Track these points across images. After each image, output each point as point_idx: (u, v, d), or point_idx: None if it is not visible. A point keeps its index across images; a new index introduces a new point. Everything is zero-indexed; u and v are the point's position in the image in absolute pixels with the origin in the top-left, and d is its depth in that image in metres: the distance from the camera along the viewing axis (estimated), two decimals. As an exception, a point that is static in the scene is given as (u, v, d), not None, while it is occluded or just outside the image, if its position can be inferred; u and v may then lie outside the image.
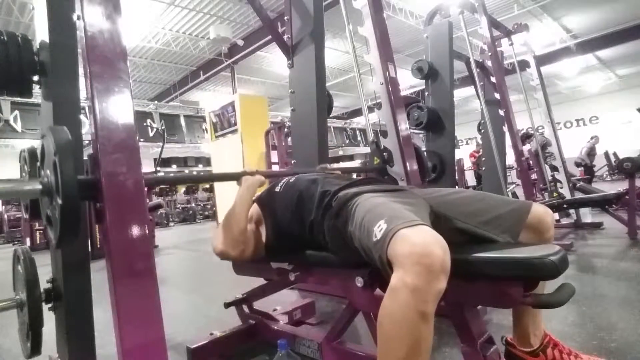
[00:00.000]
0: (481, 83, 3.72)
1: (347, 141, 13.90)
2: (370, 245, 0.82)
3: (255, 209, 1.29)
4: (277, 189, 1.25)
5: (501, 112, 3.57)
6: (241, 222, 1.17)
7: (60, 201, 0.76)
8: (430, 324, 0.70)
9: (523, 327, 1.04)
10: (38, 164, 0.93)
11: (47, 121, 1.08)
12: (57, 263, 1.08)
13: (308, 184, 1.17)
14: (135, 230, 0.85)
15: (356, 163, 13.97)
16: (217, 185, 8.41)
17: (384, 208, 0.86)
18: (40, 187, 0.84)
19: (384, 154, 1.99)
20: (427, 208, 0.97)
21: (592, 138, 9.32)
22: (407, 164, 1.97)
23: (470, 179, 9.27)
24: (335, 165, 1.71)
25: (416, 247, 0.70)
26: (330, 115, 2.80)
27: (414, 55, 9.74)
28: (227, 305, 1.55)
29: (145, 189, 0.96)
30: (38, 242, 6.57)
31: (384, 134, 2.03)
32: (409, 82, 12.44)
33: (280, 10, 6.79)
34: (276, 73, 11.42)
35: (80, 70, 1.02)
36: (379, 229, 0.79)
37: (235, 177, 1.32)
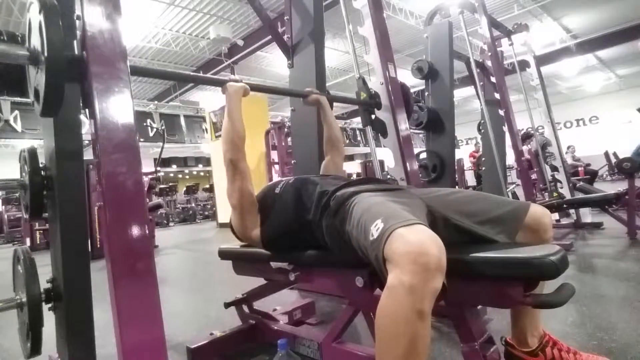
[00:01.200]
0: (481, 83, 3.72)
1: (347, 141, 13.90)
2: (367, 244, 0.82)
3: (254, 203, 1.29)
4: (277, 190, 1.26)
5: (501, 112, 3.57)
6: (238, 126, 1.26)
7: (45, 54, 0.76)
8: (427, 322, 0.70)
9: (520, 327, 1.04)
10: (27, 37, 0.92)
11: (47, 121, 1.08)
12: (57, 263, 1.08)
13: (307, 185, 1.18)
14: (135, 230, 0.85)
15: (356, 162, 13.99)
16: (217, 185, 8.41)
17: (381, 207, 0.86)
18: (27, 53, 0.85)
19: (370, 89, 2.01)
20: (424, 208, 0.98)
21: (568, 148, 9.24)
22: (407, 164, 1.97)
23: (470, 179, 9.28)
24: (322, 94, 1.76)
25: (412, 246, 0.70)
26: (330, 115, 2.79)
27: (414, 55, 9.74)
28: (227, 305, 1.55)
29: (145, 189, 0.96)
30: (38, 242, 6.58)
31: (372, 72, 2.06)
32: (409, 82, 12.42)
33: (280, 10, 6.79)
34: (276, 73, 11.42)
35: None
36: (375, 228, 0.79)
37: (220, 82, 1.38)
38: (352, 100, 2.25)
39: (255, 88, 1.47)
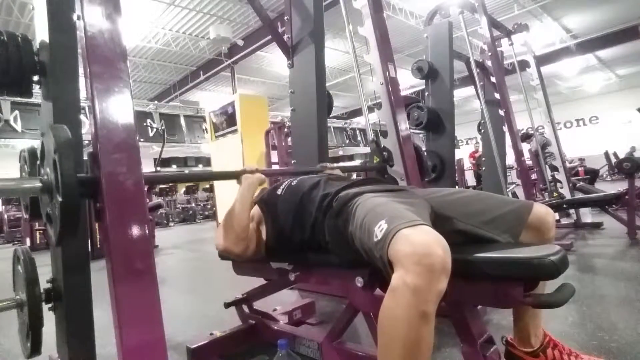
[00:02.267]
0: (481, 83, 3.72)
1: (347, 141, 13.90)
2: (371, 245, 0.81)
3: (256, 209, 1.29)
4: (279, 191, 1.25)
5: (501, 112, 3.57)
6: (243, 220, 1.17)
7: (60, 199, 0.77)
8: (431, 324, 0.70)
9: (523, 327, 1.04)
10: (38, 162, 0.93)
11: (47, 121, 1.08)
12: (57, 263, 1.08)
13: (310, 187, 1.17)
14: (135, 230, 0.85)
15: (356, 163, 13.97)
16: (217, 185, 8.41)
17: (385, 208, 0.86)
18: (40, 184, 0.84)
19: (384, 153, 1.99)
20: (427, 208, 0.97)
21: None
22: (407, 164, 1.97)
23: (470, 179, 9.27)
24: (335, 165, 1.70)
25: (417, 247, 0.70)
26: (330, 115, 2.80)
27: (414, 55, 9.74)
28: (227, 305, 1.55)
29: (146, 188, 0.96)
30: (38, 242, 6.57)
31: (384, 133, 2.03)
32: (409, 82, 12.44)
33: (280, 10, 6.79)
34: (276, 73, 11.42)
35: (80, 70, 1.02)
36: (379, 229, 0.79)
37: (236, 175, 1.32)
38: (365, 168, 2.20)
39: (269, 173, 1.44)
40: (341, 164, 2.08)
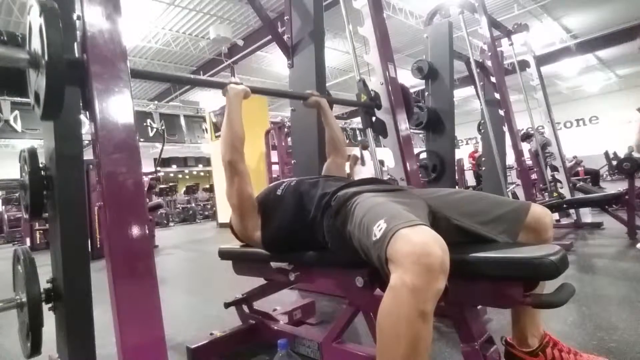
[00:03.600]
0: (481, 83, 3.72)
1: (347, 141, 13.88)
2: (370, 244, 0.82)
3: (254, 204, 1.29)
4: (279, 191, 1.26)
5: (501, 112, 3.57)
6: (237, 129, 1.26)
7: (46, 58, 0.76)
8: (430, 323, 0.70)
9: (521, 327, 1.04)
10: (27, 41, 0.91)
11: (47, 121, 1.08)
12: (57, 263, 1.08)
13: (309, 187, 1.18)
14: (135, 230, 0.85)
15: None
16: (217, 185, 8.41)
17: (384, 208, 0.86)
18: (27, 56, 0.85)
19: (371, 91, 2.01)
20: (426, 208, 0.98)
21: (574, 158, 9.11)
22: (407, 164, 1.97)
23: (470, 179, 9.27)
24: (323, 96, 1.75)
25: (416, 247, 0.70)
26: (330, 115, 2.79)
27: (414, 55, 9.74)
28: (227, 305, 1.55)
29: (145, 189, 0.96)
30: (38, 242, 6.58)
31: (372, 72, 2.06)
32: (409, 82, 12.43)
33: (280, 10, 6.79)
34: (276, 73, 11.42)
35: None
36: (378, 229, 0.79)
37: (220, 85, 1.37)
38: (352, 103, 2.25)
39: (256, 91, 1.47)
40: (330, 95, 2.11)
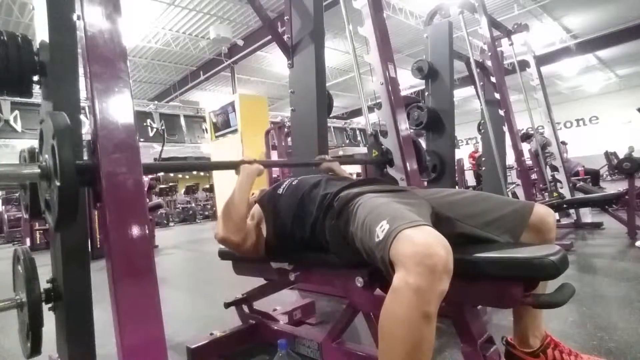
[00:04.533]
0: (481, 83, 3.72)
1: (347, 141, 13.91)
2: (372, 245, 0.81)
3: (257, 208, 1.29)
4: (280, 190, 1.25)
5: (501, 112, 3.57)
6: (241, 210, 1.18)
7: (58, 183, 0.77)
8: (433, 324, 0.70)
9: (523, 327, 1.03)
10: (37, 151, 0.93)
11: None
12: (57, 263, 1.08)
13: (311, 187, 1.17)
14: (135, 230, 0.85)
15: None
16: (217, 185, 8.41)
17: (386, 208, 0.86)
18: (38, 170, 0.85)
19: (382, 147, 2.00)
20: (429, 209, 0.97)
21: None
22: (407, 164, 1.97)
23: (470, 179, 9.27)
24: (334, 157, 1.71)
25: (419, 248, 0.70)
26: (330, 115, 2.80)
27: (414, 55, 9.74)
28: (227, 305, 1.55)
29: (145, 189, 0.96)
30: (38, 242, 6.57)
31: (384, 133, 2.04)
32: (409, 82, 12.44)
33: (280, 10, 6.79)
34: (276, 73, 11.43)
35: (80, 70, 1.02)
36: (381, 229, 0.79)
37: (234, 165, 1.34)
38: (364, 161, 2.23)
39: (267, 164, 1.44)
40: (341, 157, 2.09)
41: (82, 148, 1.00)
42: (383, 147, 2.00)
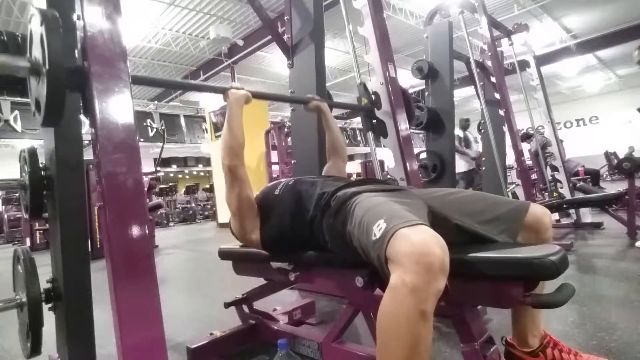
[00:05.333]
0: (481, 83, 3.72)
1: (347, 141, 13.90)
2: (369, 244, 0.82)
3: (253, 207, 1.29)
4: (277, 191, 1.25)
5: (501, 112, 3.57)
6: (238, 134, 1.26)
7: (47, 66, 0.77)
8: (430, 323, 0.70)
9: (521, 327, 1.04)
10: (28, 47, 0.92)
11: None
12: (57, 263, 1.08)
13: (307, 186, 1.17)
14: (135, 230, 0.85)
15: (356, 164, 13.98)
16: (217, 185, 8.41)
17: (383, 207, 0.86)
18: (28, 64, 0.85)
19: (372, 94, 2.00)
20: (425, 208, 0.97)
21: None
22: (407, 164, 1.97)
23: (470, 179, 9.26)
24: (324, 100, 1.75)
25: (415, 247, 0.70)
26: (330, 115, 2.80)
27: (414, 55, 9.74)
28: (227, 305, 1.55)
29: (145, 189, 0.97)
30: (38, 242, 6.58)
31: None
32: (409, 82, 12.44)
33: (280, 10, 6.79)
34: (276, 73, 11.43)
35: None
36: (378, 228, 0.79)
37: (221, 90, 1.37)
38: (353, 106, 2.25)
39: (257, 95, 1.46)
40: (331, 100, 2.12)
41: (74, 54, 0.99)
42: (372, 93, 2.01)
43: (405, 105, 2.09)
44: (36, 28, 0.82)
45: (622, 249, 2.79)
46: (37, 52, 0.83)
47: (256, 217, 1.26)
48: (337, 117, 15.10)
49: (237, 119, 1.29)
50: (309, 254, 1.14)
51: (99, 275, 0.94)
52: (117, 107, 0.90)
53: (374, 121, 1.99)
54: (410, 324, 0.69)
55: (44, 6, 1.05)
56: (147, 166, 8.51)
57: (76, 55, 0.95)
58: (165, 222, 10.34)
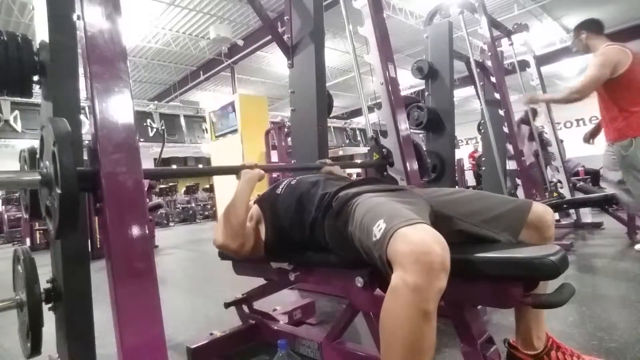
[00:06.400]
0: (481, 83, 3.72)
1: (347, 141, 13.90)
2: (370, 244, 0.81)
3: (255, 209, 1.29)
4: (278, 191, 1.25)
5: (501, 112, 3.57)
6: (241, 215, 1.17)
7: (59, 190, 0.77)
8: (433, 322, 0.70)
9: (526, 329, 1.03)
10: (37, 157, 0.93)
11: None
12: (57, 263, 1.08)
13: (309, 186, 1.17)
14: (135, 230, 0.85)
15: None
16: (217, 185, 8.41)
17: (384, 207, 0.86)
18: (39, 177, 0.85)
19: (383, 150, 2.00)
20: (427, 207, 0.97)
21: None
22: (407, 164, 1.97)
23: (470, 179, 9.28)
24: (335, 162, 1.71)
25: (416, 246, 0.70)
26: (330, 115, 2.80)
27: (414, 55, 9.74)
28: (227, 305, 1.55)
29: (145, 189, 0.97)
30: (38, 242, 6.58)
31: (384, 133, 2.04)
32: (409, 82, 12.44)
33: (280, 10, 6.79)
34: (276, 73, 11.42)
35: (80, 70, 1.02)
36: (378, 229, 0.79)
37: (235, 170, 1.33)
38: (365, 164, 2.24)
39: (268, 169, 1.43)
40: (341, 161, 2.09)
41: (82, 151, 0.99)
42: (384, 150, 1.99)
43: (417, 159, 2.05)
44: (48, 141, 0.82)
45: (622, 249, 2.79)
46: (47, 164, 0.83)
47: (259, 239, 1.23)
48: (337, 117, 15.12)
49: (245, 199, 1.22)
50: (309, 254, 1.14)
51: (99, 275, 0.94)
52: (117, 107, 0.90)
53: (385, 174, 1.99)
54: (412, 323, 0.69)
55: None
56: (147, 166, 8.48)
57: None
58: (165, 222, 10.34)
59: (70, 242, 1.06)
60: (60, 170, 0.76)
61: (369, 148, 2.04)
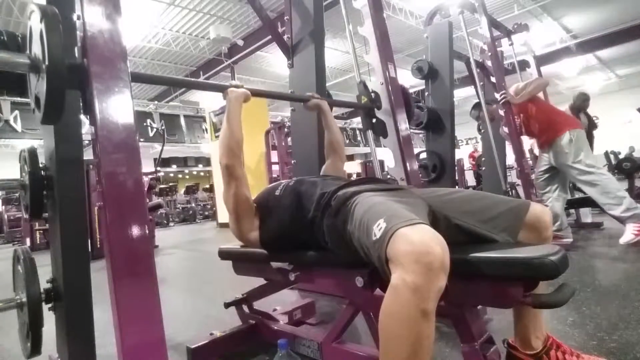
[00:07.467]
0: (481, 83, 3.72)
1: (347, 141, 13.90)
2: (370, 244, 0.82)
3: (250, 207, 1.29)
4: (277, 192, 1.26)
5: (501, 112, 3.57)
6: (237, 132, 1.26)
7: (46, 63, 0.76)
8: (432, 322, 0.70)
9: (524, 329, 1.03)
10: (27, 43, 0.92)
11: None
12: (57, 263, 1.08)
13: (308, 186, 1.17)
14: (135, 230, 0.85)
15: (356, 164, 13.97)
16: (217, 185, 8.41)
17: (383, 207, 0.86)
18: (28, 61, 0.85)
19: (371, 94, 2.01)
20: (426, 207, 0.97)
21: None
22: (407, 164, 1.96)
23: (470, 179, 9.28)
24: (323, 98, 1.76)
25: (416, 246, 0.70)
26: (330, 115, 2.80)
27: (414, 55, 9.74)
28: (227, 305, 1.55)
29: (145, 189, 0.97)
30: (38, 242, 6.58)
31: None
32: (409, 82, 12.44)
33: (280, 10, 6.79)
34: (276, 73, 11.42)
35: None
36: (378, 228, 0.79)
37: (221, 88, 1.37)
38: (353, 105, 2.26)
39: (256, 93, 1.47)
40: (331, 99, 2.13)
41: (74, 52, 0.98)
42: (372, 92, 2.01)
43: (405, 104, 2.09)
44: (36, 25, 0.82)
45: (622, 249, 2.79)
46: (36, 49, 0.83)
47: (254, 217, 1.26)
48: (337, 117, 15.11)
49: (236, 117, 1.29)
50: (309, 254, 1.14)
51: (99, 275, 0.94)
52: (117, 107, 0.90)
53: (374, 120, 2.00)
54: (412, 323, 0.69)
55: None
56: (147, 166, 8.51)
57: (76, 53, 0.95)
58: (165, 222, 10.34)
59: (70, 242, 1.06)
60: (48, 52, 0.76)
61: (357, 94, 2.04)
